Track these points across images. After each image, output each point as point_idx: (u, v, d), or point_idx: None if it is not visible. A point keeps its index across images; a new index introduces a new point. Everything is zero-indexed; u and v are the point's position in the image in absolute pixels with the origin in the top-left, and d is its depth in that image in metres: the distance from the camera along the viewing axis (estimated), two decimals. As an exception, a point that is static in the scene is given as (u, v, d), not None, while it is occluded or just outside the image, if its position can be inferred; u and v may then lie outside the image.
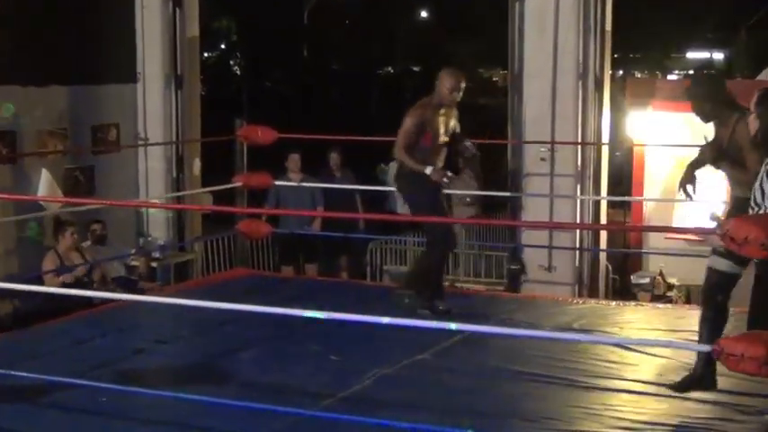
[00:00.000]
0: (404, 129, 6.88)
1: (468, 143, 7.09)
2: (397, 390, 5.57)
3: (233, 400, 5.16)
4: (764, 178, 4.58)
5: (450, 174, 6.97)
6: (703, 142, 5.72)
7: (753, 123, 4.84)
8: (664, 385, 5.63)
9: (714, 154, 5.51)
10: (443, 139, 6.96)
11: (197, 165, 10.69)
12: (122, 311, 7.07)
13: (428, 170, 6.81)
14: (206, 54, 28.73)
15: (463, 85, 6.91)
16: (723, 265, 5.30)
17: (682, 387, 5.50)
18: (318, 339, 6.33)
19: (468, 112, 7.39)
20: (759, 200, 4.62)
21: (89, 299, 7.44)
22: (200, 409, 5.10)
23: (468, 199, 11.94)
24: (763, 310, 4.70)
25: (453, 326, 4.66)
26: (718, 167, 5.52)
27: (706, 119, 5.61)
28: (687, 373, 5.54)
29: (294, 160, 10.81)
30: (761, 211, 4.62)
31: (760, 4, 22.70)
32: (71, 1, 10.13)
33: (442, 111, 6.93)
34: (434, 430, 4.79)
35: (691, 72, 29.29)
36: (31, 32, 9.80)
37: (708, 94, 5.54)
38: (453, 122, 7.03)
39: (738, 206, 5.19)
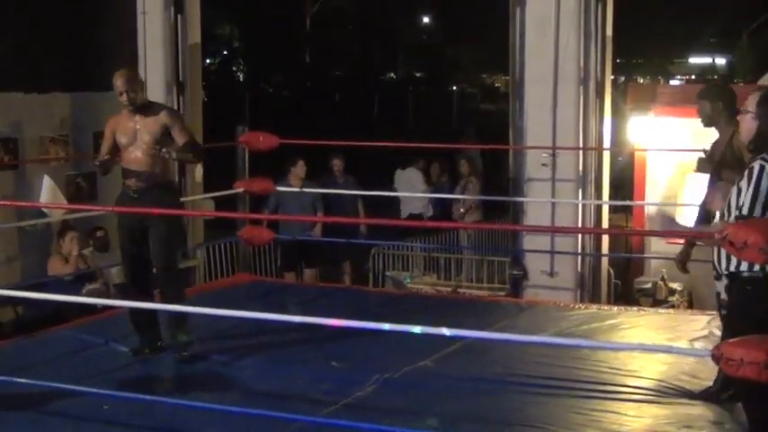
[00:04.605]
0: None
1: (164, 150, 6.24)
2: (399, 396, 5.57)
3: (235, 406, 5.16)
4: (745, 178, 4.52)
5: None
6: (701, 152, 5.76)
7: (749, 123, 4.61)
8: (665, 391, 5.64)
9: (713, 164, 5.55)
10: (140, 146, 6.27)
11: (199, 171, 10.68)
12: (124, 318, 7.07)
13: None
14: (208, 60, 28.76)
15: (119, 83, 6.21)
16: None
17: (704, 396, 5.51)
18: (320, 346, 6.34)
19: (472, 118, 7.41)
20: (733, 202, 4.57)
21: (93, 306, 7.45)
22: (203, 415, 5.11)
23: (461, 210, 11.94)
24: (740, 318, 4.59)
25: (454, 332, 4.65)
26: (720, 178, 5.51)
27: (708, 122, 5.70)
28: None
29: (301, 166, 10.77)
30: (731, 218, 4.55)
31: (762, 10, 22.71)
32: (72, 7, 10.14)
33: (137, 117, 6.28)
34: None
35: (693, 77, 29.29)
36: (32, 39, 9.81)
37: (716, 97, 5.66)
38: (157, 128, 6.28)
39: None
